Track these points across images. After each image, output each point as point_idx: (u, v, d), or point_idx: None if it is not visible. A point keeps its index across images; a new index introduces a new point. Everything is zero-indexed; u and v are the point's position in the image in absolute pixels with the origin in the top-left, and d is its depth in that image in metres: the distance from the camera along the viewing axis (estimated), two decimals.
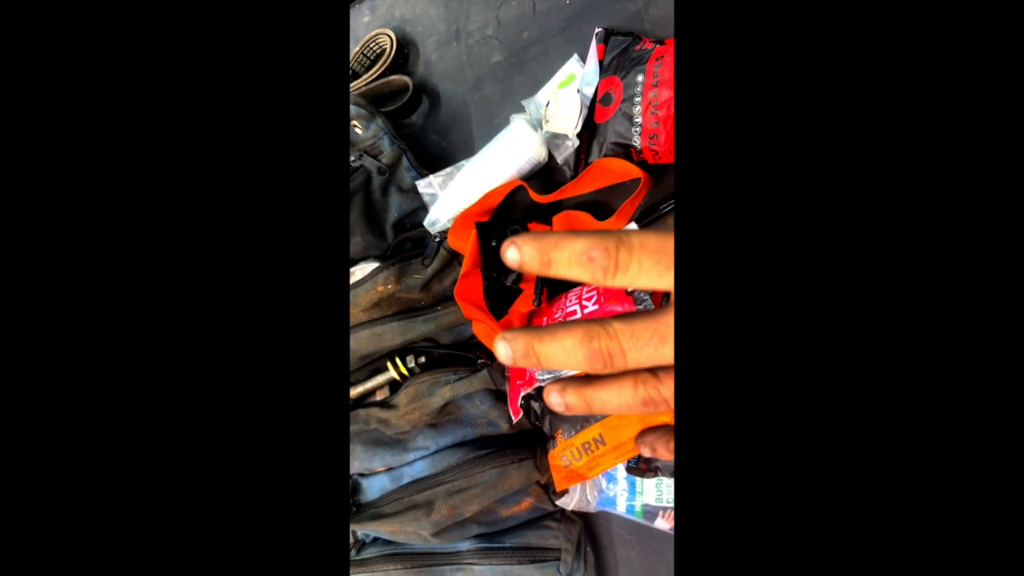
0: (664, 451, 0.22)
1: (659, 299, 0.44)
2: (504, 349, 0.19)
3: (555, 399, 0.20)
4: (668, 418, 0.43)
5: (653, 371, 0.19)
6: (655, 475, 0.44)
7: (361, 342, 0.53)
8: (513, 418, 0.46)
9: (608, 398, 0.19)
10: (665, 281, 0.17)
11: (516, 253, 0.18)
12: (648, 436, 0.23)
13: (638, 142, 0.47)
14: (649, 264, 0.17)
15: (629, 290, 0.43)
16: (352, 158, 0.55)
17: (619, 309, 0.43)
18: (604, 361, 0.18)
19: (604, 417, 0.43)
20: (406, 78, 0.60)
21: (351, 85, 0.60)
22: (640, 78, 0.46)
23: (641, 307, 0.41)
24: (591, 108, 0.50)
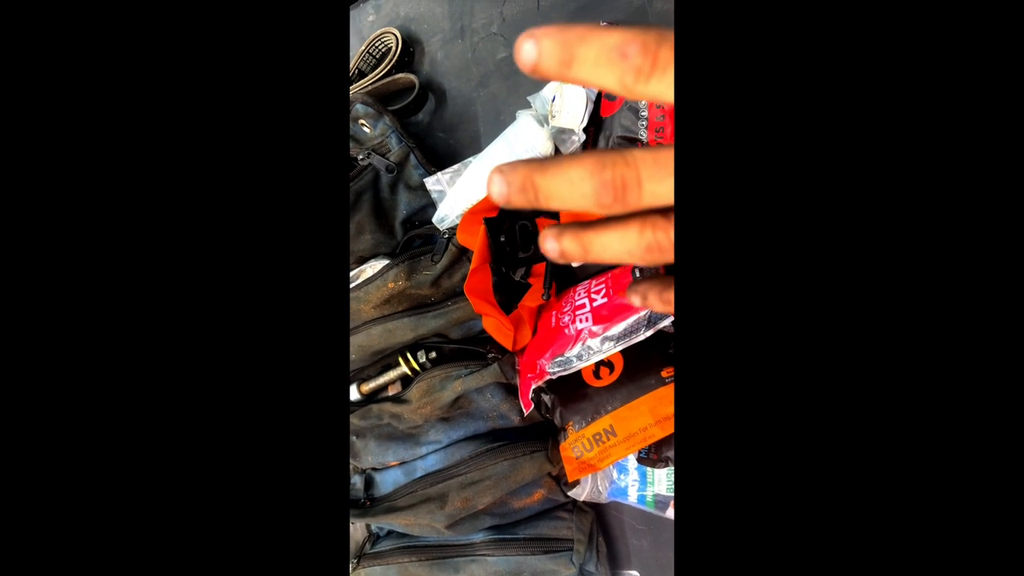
0: (656, 301, 0.20)
1: None
2: (499, 183, 0.16)
3: (551, 245, 0.18)
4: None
5: (665, 213, 0.17)
6: (666, 465, 0.44)
7: (373, 338, 0.54)
8: (524, 411, 0.47)
9: (609, 241, 0.17)
10: None
11: (533, 48, 0.15)
12: (640, 285, 0.21)
13: (644, 135, 0.47)
14: None
15: None
16: (360, 156, 0.55)
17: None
18: (616, 193, 0.16)
19: (615, 408, 0.43)
20: (412, 76, 0.60)
21: (358, 84, 0.61)
22: None
23: None
24: (597, 103, 0.50)
